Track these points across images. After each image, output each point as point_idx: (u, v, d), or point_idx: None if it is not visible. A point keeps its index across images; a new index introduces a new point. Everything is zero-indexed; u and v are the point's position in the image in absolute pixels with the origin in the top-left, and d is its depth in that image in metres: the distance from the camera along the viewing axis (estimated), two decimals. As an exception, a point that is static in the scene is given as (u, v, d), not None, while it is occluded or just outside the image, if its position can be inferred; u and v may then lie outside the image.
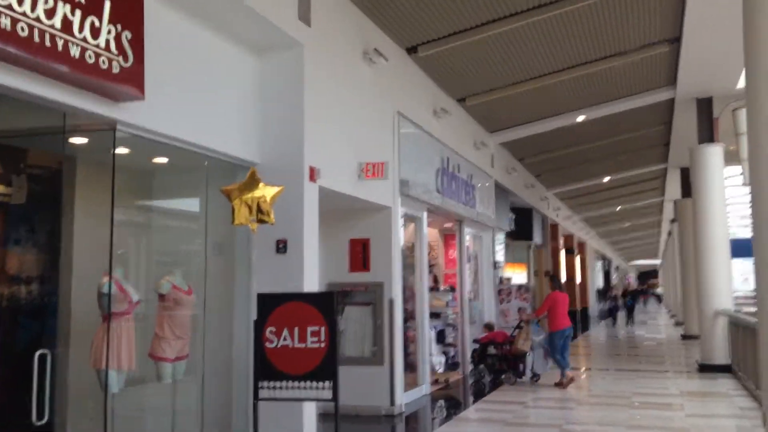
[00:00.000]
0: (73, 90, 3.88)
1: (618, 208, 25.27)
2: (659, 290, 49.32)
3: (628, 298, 25.94)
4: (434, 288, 10.38)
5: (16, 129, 4.49)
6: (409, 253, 8.99)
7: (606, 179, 18.71)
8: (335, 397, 4.41)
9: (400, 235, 8.17)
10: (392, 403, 7.50)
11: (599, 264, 38.54)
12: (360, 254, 7.79)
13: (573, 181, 18.62)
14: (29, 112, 4.10)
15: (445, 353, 10.12)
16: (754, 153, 5.09)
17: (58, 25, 3.60)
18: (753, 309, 7.90)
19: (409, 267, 8.91)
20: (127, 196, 5.22)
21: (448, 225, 11.27)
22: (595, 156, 15.47)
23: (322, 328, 4.45)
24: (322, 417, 5.98)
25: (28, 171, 4.95)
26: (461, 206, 10.44)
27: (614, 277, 46.81)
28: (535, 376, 9.94)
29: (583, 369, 12.05)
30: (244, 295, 5.54)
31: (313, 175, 5.86)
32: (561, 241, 22.60)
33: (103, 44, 3.89)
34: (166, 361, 4.84)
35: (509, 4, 7.35)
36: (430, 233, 10.42)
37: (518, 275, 16.12)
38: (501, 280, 12.99)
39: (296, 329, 4.47)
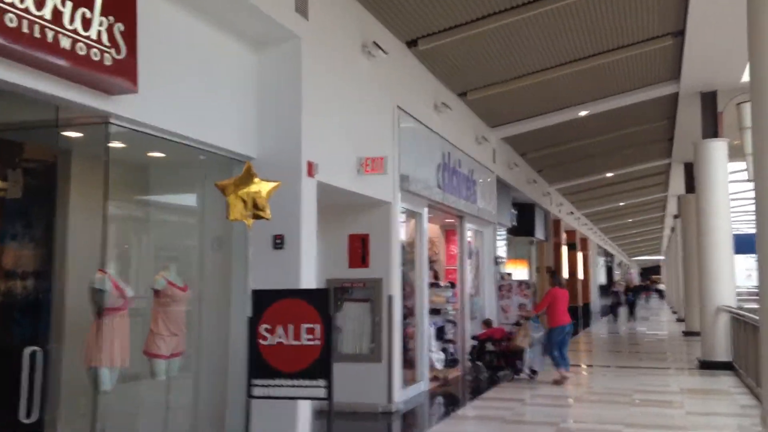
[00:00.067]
0: (64, 82, 3.83)
1: (621, 204, 25.17)
2: (662, 286, 49.22)
3: (629, 295, 25.85)
4: (434, 284, 10.33)
5: (9, 122, 4.44)
6: (409, 248, 8.93)
7: (609, 175, 18.61)
8: (329, 396, 4.36)
9: (400, 230, 8.11)
10: (389, 400, 7.46)
11: (602, 260, 38.46)
12: (359, 250, 7.73)
13: (576, 177, 18.53)
14: (21, 105, 4.05)
15: (444, 350, 10.07)
16: (759, 147, 5.02)
17: (48, 16, 3.55)
18: (755, 305, 7.84)
19: (409, 263, 8.85)
20: (123, 190, 5.17)
21: (449, 220, 11.21)
22: (598, 151, 15.37)
23: (318, 326, 4.40)
24: (318, 414, 5.95)
25: (24, 165, 4.90)
26: (462, 202, 10.37)
27: (617, 273, 46.75)
28: (533, 373, 9.90)
29: (584, 366, 12.01)
30: (241, 291, 5.48)
31: (311, 170, 5.80)
32: (563, 237, 22.53)
33: (94, 36, 3.83)
34: (161, 357, 4.80)
35: (511, -3, 7.27)
36: (431, 229, 10.36)
37: (520, 271, 16.06)
38: (502, 276, 12.93)
39: (291, 326, 4.43)
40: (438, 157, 9.37)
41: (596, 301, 31.56)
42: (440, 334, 10.02)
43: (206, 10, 5.08)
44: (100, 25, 3.87)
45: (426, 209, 9.09)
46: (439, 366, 9.68)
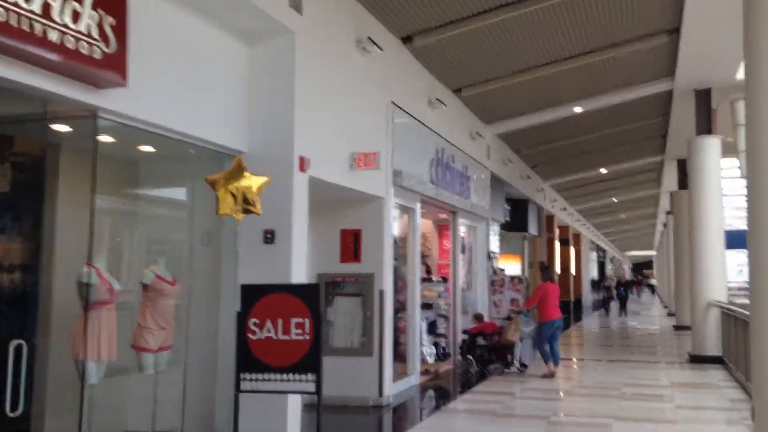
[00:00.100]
0: (52, 76, 3.81)
1: (614, 200, 25.24)
2: (653, 281, 49.46)
3: (620, 289, 25.95)
4: (427, 279, 10.35)
5: (-3, 115, 4.41)
6: (402, 243, 8.94)
7: (603, 171, 18.65)
8: (318, 390, 4.38)
9: (393, 225, 8.11)
10: (380, 393, 7.48)
11: (594, 255, 38.60)
12: (351, 245, 7.73)
13: (569, 173, 18.57)
14: (9, 99, 4.02)
15: (436, 344, 10.11)
16: (752, 144, 5.03)
17: (37, 10, 3.52)
18: (746, 300, 7.89)
19: (401, 258, 8.87)
20: (112, 184, 5.15)
21: (442, 216, 11.22)
22: (592, 147, 15.39)
23: (307, 321, 4.41)
24: (308, 408, 5.96)
25: (12, 159, 4.88)
26: (455, 197, 10.38)
27: (609, 268, 46.94)
28: (524, 367, 9.96)
29: (575, 359, 12.07)
30: (230, 286, 5.48)
31: (303, 165, 5.78)
32: (556, 232, 22.59)
33: (84, 29, 3.81)
34: (149, 351, 4.80)
35: (505, -8, 7.25)
36: (424, 224, 10.37)
37: (512, 266, 16.11)
38: (495, 271, 12.97)
39: (280, 321, 4.43)
40: (432, 153, 9.37)
41: (588, 296, 31.71)
42: (432, 328, 10.06)
43: (199, 4, 5.04)
44: (90, 18, 3.85)
45: (419, 204, 9.09)
46: (430, 360, 9.72)
